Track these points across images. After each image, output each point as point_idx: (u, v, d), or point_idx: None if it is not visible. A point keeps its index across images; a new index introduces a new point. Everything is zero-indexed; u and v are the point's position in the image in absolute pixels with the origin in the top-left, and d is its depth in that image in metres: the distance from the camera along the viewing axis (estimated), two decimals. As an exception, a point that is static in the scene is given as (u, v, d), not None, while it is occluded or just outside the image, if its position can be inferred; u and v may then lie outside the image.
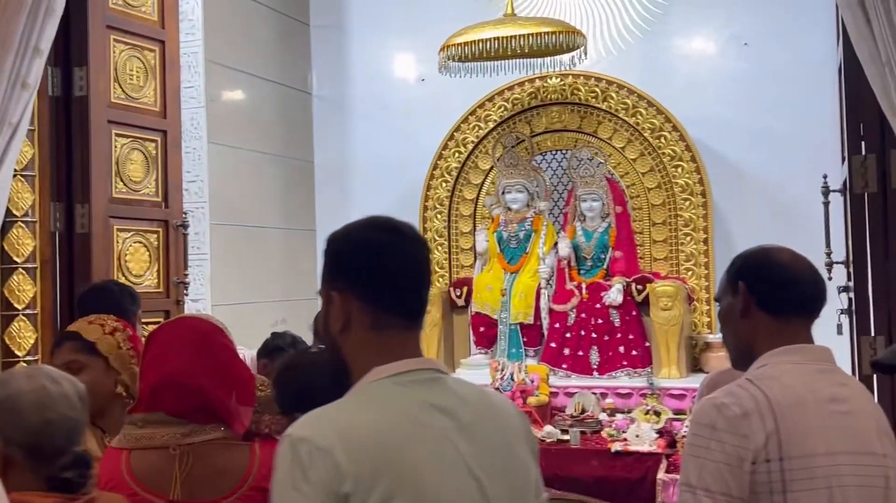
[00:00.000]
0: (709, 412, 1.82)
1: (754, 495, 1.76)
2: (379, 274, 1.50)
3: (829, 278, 3.69)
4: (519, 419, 1.58)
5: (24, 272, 3.97)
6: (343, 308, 1.50)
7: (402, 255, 1.52)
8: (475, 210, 6.09)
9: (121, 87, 4.32)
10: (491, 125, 5.97)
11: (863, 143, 3.30)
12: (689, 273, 5.56)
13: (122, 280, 4.29)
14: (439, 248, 6.09)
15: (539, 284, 5.61)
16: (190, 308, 5.23)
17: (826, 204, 3.70)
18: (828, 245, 3.68)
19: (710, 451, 1.78)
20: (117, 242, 4.29)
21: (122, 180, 4.34)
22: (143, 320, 4.29)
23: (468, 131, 6.02)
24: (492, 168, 5.97)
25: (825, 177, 3.76)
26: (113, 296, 3.01)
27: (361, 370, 1.47)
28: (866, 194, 3.27)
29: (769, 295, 1.93)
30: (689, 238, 5.56)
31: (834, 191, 3.67)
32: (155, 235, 4.50)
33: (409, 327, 1.52)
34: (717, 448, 1.77)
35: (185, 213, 4.73)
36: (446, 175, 6.07)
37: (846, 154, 3.42)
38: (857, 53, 2.96)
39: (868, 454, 1.81)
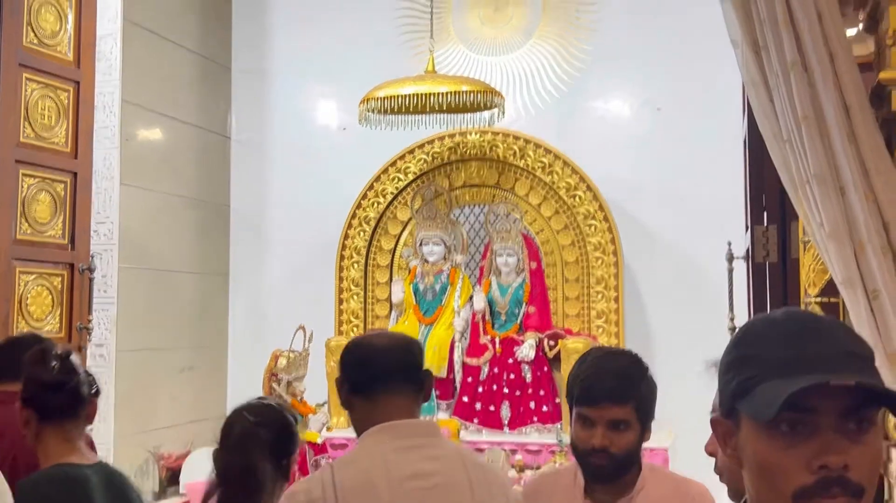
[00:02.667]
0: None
1: None
2: None
3: (733, 342, 3.79)
4: None
5: (-83, 314, 3.83)
6: None
7: None
8: (392, 260, 6.10)
9: (31, 127, 4.23)
10: (411, 177, 6.01)
11: (765, 213, 3.40)
12: (600, 330, 5.64)
13: (22, 323, 4.16)
14: (355, 297, 6.07)
15: (453, 337, 5.63)
16: (93, 353, 5.09)
17: (730, 270, 3.80)
18: (731, 310, 3.78)
19: None
20: (19, 285, 4.16)
21: (27, 221, 4.22)
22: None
23: (388, 182, 6.05)
24: (410, 219, 6.00)
25: (729, 244, 3.87)
26: (23, 349, 2.81)
27: None
28: (767, 263, 3.36)
29: (353, 378, 1.98)
30: (600, 296, 5.65)
31: (738, 258, 3.78)
32: (59, 278, 4.38)
33: None
34: None
35: (93, 256, 4.62)
36: (364, 224, 6.07)
37: (749, 223, 3.52)
38: (760, 129, 3.07)
39: None
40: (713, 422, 1.17)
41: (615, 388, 2.01)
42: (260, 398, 2.24)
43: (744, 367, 1.10)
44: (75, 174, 4.45)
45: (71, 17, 4.38)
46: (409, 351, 2.03)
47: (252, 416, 2.11)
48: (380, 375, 1.95)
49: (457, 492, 1.90)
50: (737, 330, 1.18)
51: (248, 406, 2.16)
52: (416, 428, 1.95)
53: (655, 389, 2.15)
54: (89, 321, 4.53)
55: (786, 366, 1.05)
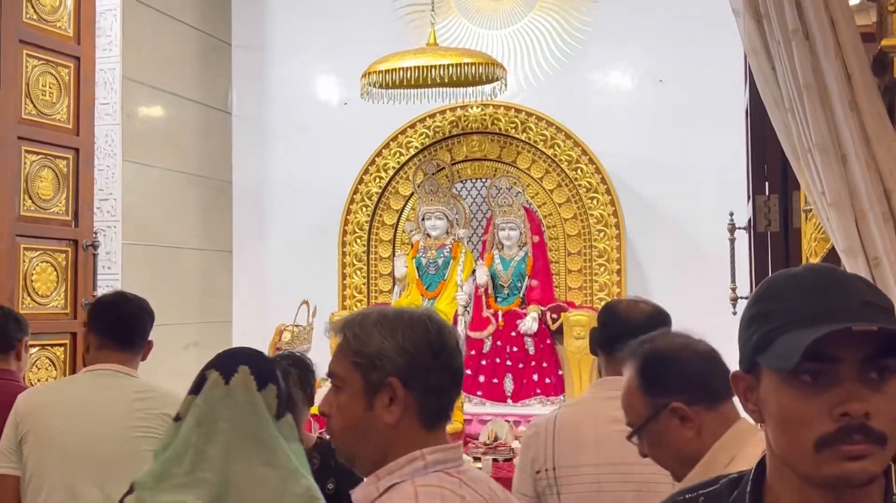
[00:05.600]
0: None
1: (542, 497, 2.26)
2: None
3: (734, 312, 3.79)
4: None
5: (-78, 291, 3.85)
6: None
7: None
8: (395, 235, 6.10)
9: (32, 103, 4.21)
10: (412, 151, 6.00)
11: (766, 183, 3.40)
12: (602, 303, 5.63)
13: (27, 300, 4.18)
14: (358, 272, 6.08)
15: (456, 311, 5.64)
16: (99, 329, 5.10)
17: (732, 240, 3.80)
18: (733, 280, 3.78)
19: (519, 463, 2.39)
20: (23, 262, 4.17)
21: (30, 198, 4.22)
22: (48, 342, 4.19)
23: (389, 157, 6.04)
24: (412, 194, 6.00)
25: (731, 214, 3.86)
26: None
27: None
28: (769, 233, 3.36)
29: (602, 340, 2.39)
30: (602, 268, 5.66)
31: (740, 228, 3.77)
32: (63, 255, 4.39)
33: None
34: (520, 459, 2.38)
35: (96, 233, 4.62)
36: (366, 199, 6.07)
37: (751, 193, 3.52)
38: (762, 98, 3.06)
39: (626, 464, 2.12)
40: (733, 378, 1.16)
41: None
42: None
43: (765, 321, 1.10)
44: (77, 150, 4.44)
45: (71, -8, 4.37)
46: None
47: (284, 361, 2.86)
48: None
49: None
50: (757, 285, 1.17)
51: (279, 355, 3.07)
52: (616, 383, 2.03)
53: None
54: (94, 297, 4.54)
55: (808, 318, 1.05)
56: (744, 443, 1.71)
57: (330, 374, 1.52)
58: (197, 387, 1.87)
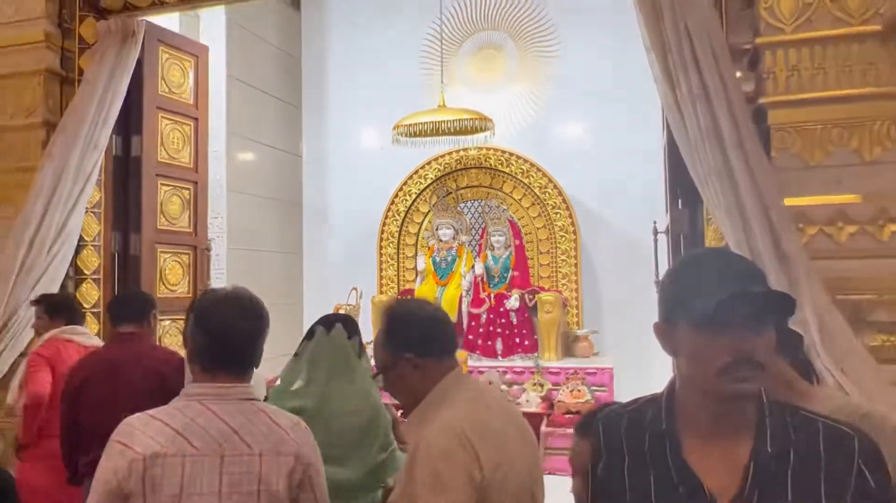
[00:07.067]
0: None
1: None
2: None
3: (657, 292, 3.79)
4: None
5: (91, 281, 3.89)
6: None
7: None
8: (416, 241, 6.14)
9: (165, 150, 4.27)
10: (429, 181, 6.05)
11: (680, 200, 3.42)
12: (565, 287, 5.69)
13: (162, 288, 4.23)
14: (391, 267, 6.12)
15: (461, 294, 5.68)
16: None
17: (655, 241, 3.81)
18: (657, 270, 3.79)
19: None
20: (159, 261, 4.22)
21: (164, 216, 4.27)
22: (176, 317, 4.24)
23: (412, 185, 6.09)
24: (429, 211, 6.04)
25: (655, 222, 3.87)
26: (135, 300, 2.89)
27: None
28: (682, 235, 3.37)
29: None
30: (564, 262, 5.69)
31: (661, 232, 3.77)
32: (187, 256, 4.44)
33: None
34: None
35: (210, 241, 4.67)
36: (396, 215, 6.11)
37: (668, 207, 3.54)
38: (676, 140, 3.09)
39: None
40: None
41: None
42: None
43: (681, 286, 1.13)
44: (196, 183, 4.49)
45: (191, 73, 4.42)
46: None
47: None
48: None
49: None
50: (671, 265, 1.20)
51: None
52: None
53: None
54: (208, 285, 4.59)
55: (713, 284, 1.09)
56: (455, 386, 1.63)
57: None
58: (309, 336, 2.11)
